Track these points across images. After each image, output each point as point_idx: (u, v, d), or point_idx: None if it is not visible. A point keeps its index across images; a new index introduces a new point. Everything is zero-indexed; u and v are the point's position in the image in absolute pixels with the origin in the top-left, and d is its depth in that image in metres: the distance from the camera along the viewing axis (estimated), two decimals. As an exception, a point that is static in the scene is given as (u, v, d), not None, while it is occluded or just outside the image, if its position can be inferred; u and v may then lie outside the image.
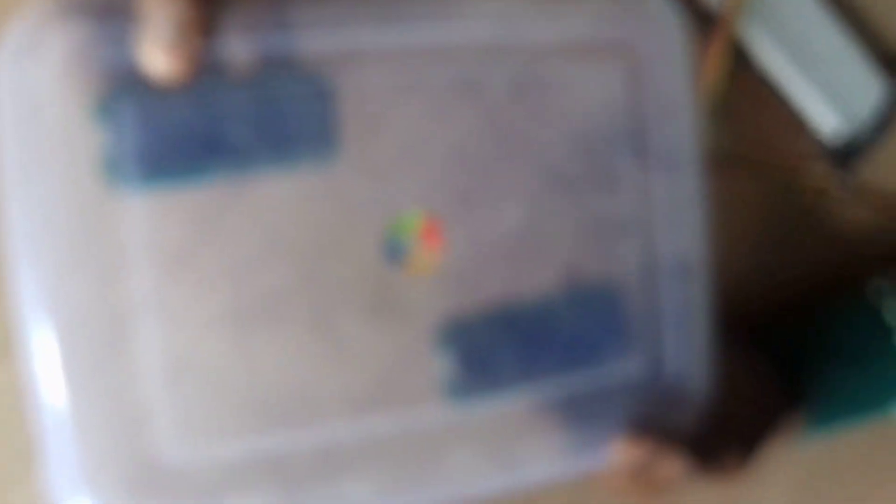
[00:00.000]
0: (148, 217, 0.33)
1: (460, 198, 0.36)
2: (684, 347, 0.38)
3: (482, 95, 0.35)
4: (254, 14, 0.33)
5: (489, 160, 0.36)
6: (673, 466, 0.37)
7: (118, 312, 0.33)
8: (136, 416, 0.33)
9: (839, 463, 0.55)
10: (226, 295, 0.34)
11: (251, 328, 0.34)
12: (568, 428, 0.37)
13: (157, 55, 0.31)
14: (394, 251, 0.36)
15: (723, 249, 0.50)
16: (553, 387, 0.37)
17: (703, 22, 0.52)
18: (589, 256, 0.37)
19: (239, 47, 0.33)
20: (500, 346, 0.36)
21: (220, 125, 0.34)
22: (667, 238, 0.38)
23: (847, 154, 0.53)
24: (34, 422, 0.33)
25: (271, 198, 0.34)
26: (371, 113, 0.35)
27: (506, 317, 0.36)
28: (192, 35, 0.31)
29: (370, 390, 0.35)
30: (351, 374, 0.35)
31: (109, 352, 0.33)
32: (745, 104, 0.53)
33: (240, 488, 0.34)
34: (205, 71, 0.32)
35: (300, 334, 0.34)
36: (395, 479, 0.35)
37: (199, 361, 0.34)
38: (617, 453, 0.37)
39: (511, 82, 0.36)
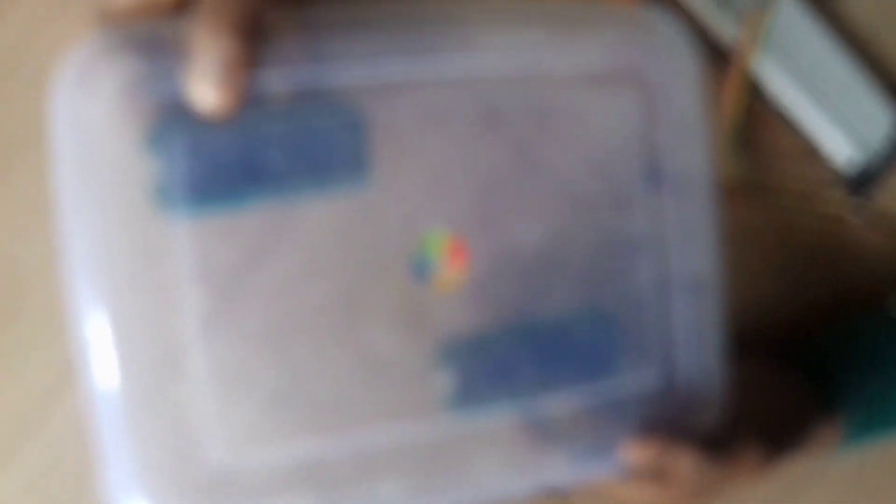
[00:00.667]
0: (199, 242, 0.36)
1: (484, 218, 0.38)
2: (696, 360, 0.40)
3: (503, 123, 0.38)
4: (290, 48, 0.35)
5: (511, 183, 0.38)
6: (685, 465, 0.39)
7: (173, 332, 0.36)
8: (188, 424, 0.36)
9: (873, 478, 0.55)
10: (271, 313, 0.36)
11: (293, 343, 0.36)
12: (583, 435, 0.39)
13: (205, 90, 0.34)
14: (421, 269, 0.38)
15: (749, 270, 0.52)
16: (570, 397, 0.39)
17: (719, 57, 0.54)
18: (604, 274, 0.39)
19: (277, 80, 0.36)
20: (519, 357, 0.38)
21: (260, 153, 0.36)
22: (679, 256, 0.39)
23: (861, 182, 0.55)
24: (95, 432, 0.36)
25: (310, 222, 0.37)
26: (400, 140, 0.37)
27: (525, 330, 0.38)
28: (237, 70, 0.34)
29: (399, 399, 0.37)
30: (381, 383, 0.37)
31: (165, 367, 0.36)
32: (761, 134, 0.56)
33: (282, 491, 0.36)
34: (247, 103, 0.35)
35: (336, 348, 0.37)
36: (424, 481, 0.37)
37: (246, 374, 0.36)
38: (627, 455, 0.38)
39: (531, 110, 0.38)
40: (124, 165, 0.36)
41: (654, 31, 0.39)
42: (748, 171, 0.55)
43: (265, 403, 0.36)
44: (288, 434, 0.36)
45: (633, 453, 0.38)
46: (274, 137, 0.36)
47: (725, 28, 0.54)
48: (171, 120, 0.35)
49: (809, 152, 0.55)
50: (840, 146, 0.55)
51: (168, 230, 0.36)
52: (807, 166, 0.56)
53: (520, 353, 0.38)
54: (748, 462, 0.42)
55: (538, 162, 0.38)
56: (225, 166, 0.36)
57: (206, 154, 0.36)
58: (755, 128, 0.55)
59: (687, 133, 0.39)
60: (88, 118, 0.35)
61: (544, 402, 0.38)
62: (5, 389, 0.42)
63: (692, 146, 0.39)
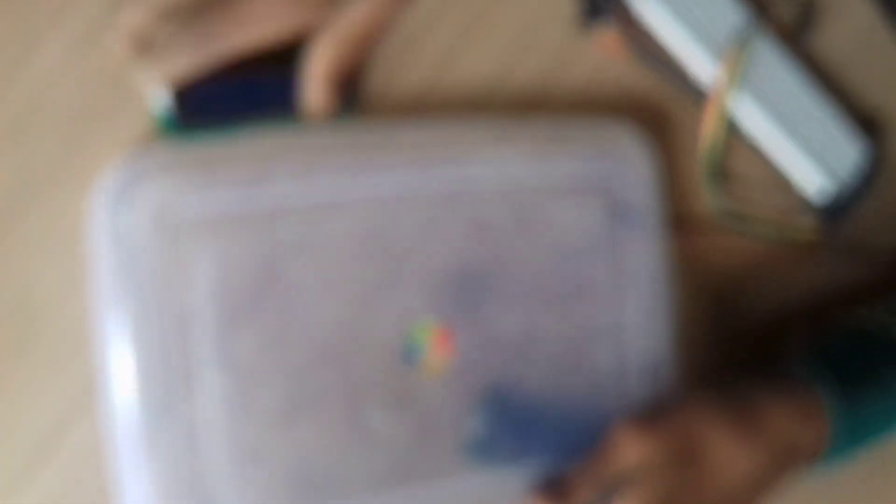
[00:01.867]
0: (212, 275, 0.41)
1: (468, 310, 0.43)
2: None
3: (487, 228, 0.42)
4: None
5: (492, 279, 0.43)
6: None
7: (188, 357, 0.41)
8: (197, 479, 0.42)
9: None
10: (280, 395, 0.42)
11: (297, 420, 0.42)
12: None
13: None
14: (411, 356, 0.43)
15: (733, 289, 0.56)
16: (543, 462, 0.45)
17: (698, 93, 0.58)
18: (571, 359, 0.44)
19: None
20: (503, 428, 0.44)
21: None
22: (636, 342, 0.45)
23: (832, 211, 0.59)
24: (112, 454, 0.41)
25: (315, 315, 0.42)
26: (395, 242, 0.42)
27: (505, 404, 0.44)
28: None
29: (393, 469, 0.43)
30: (378, 456, 0.43)
31: (178, 403, 0.41)
32: (736, 166, 0.59)
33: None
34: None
35: (336, 424, 0.42)
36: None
37: (260, 451, 0.42)
38: None
39: (511, 217, 0.43)
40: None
41: (617, 142, 0.43)
42: (724, 202, 0.59)
43: (275, 473, 0.42)
44: (290, 502, 0.42)
45: None
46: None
47: (704, 66, 0.57)
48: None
49: (782, 183, 0.59)
50: (812, 177, 0.58)
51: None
52: (780, 197, 0.59)
53: (503, 424, 0.44)
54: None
55: (516, 259, 0.43)
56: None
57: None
58: (731, 160, 0.59)
59: (645, 231, 0.44)
60: (129, 230, 0.40)
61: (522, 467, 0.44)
62: (21, 414, 0.45)
63: (649, 243, 0.44)
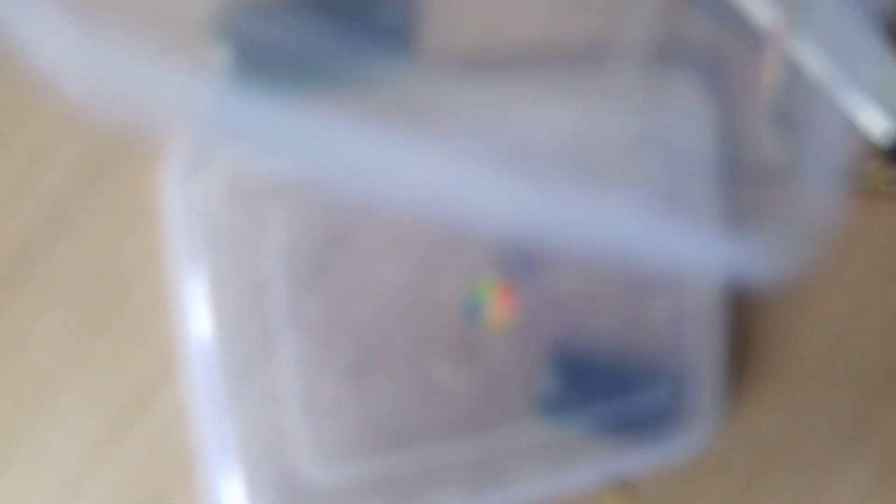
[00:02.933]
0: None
1: (530, 267, 0.44)
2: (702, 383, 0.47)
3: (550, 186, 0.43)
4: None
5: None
6: None
7: (266, 316, 0.43)
8: (278, 435, 0.44)
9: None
10: (352, 349, 0.43)
11: (367, 376, 0.44)
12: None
13: None
14: (475, 312, 0.45)
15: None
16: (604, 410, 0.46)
17: (757, 37, 0.57)
18: (630, 310, 0.45)
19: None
20: (567, 380, 0.45)
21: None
22: (693, 294, 0.45)
23: (896, 153, 0.58)
24: (196, 430, 0.43)
25: (382, 274, 0.43)
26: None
27: (568, 357, 0.45)
28: None
29: (461, 421, 0.44)
30: (446, 408, 0.44)
31: (257, 365, 0.43)
32: (798, 112, 0.58)
33: (358, 500, 0.44)
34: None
35: (405, 379, 0.44)
36: (475, 487, 0.45)
37: (331, 402, 0.44)
38: None
39: (570, 174, 0.43)
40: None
41: (677, 93, 0.43)
42: (789, 149, 0.58)
43: (343, 422, 0.44)
44: (362, 452, 0.44)
45: None
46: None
47: (762, 8, 0.57)
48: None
49: (848, 128, 0.58)
50: (876, 119, 0.57)
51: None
52: (847, 142, 0.58)
53: (567, 379, 0.45)
54: None
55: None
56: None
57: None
58: (794, 106, 0.58)
59: (705, 182, 0.44)
60: (201, 200, 0.41)
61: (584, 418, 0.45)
62: (106, 383, 0.46)
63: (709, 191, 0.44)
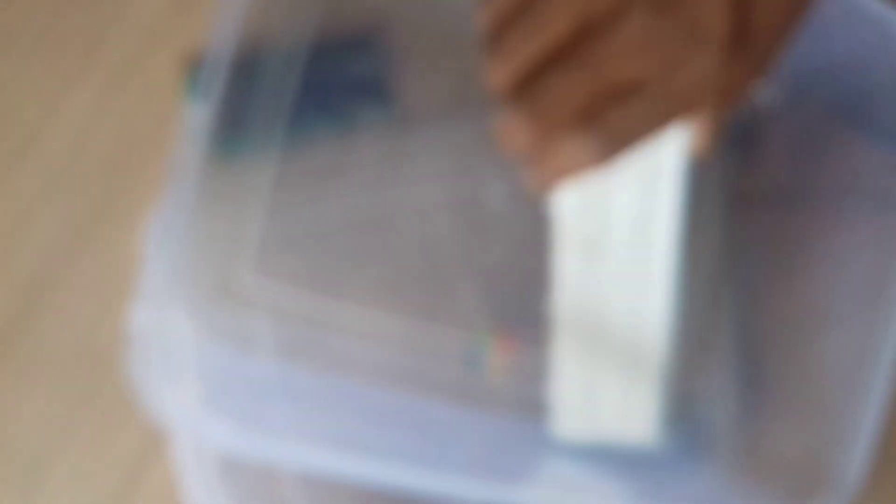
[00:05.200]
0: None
1: (527, 310, 0.43)
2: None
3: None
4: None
5: (546, 275, 0.43)
6: None
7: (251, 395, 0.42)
8: None
9: None
10: (345, 413, 0.42)
11: (368, 441, 0.43)
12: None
13: None
14: (474, 361, 0.44)
15: None
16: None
17: None
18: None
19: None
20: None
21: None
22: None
23: None
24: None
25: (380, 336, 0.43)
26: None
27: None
28: None
29: (465, 464, 0.43)
30: (452, 458, 0.43)
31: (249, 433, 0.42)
32: None
33: None
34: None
35: (409, 434, 0.43)
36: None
37: (326, 464, 0.42)
38: None
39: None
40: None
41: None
42: None
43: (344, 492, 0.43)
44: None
45: None
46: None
47: None
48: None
49: None
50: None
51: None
52: None
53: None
54: None
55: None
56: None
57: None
58: None
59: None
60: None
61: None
62: (96, 461, 0.45)
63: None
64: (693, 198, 0.39)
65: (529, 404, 0.44)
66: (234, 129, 0.41)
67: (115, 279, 0.45)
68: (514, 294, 0.44)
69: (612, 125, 0.30)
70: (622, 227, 0.39)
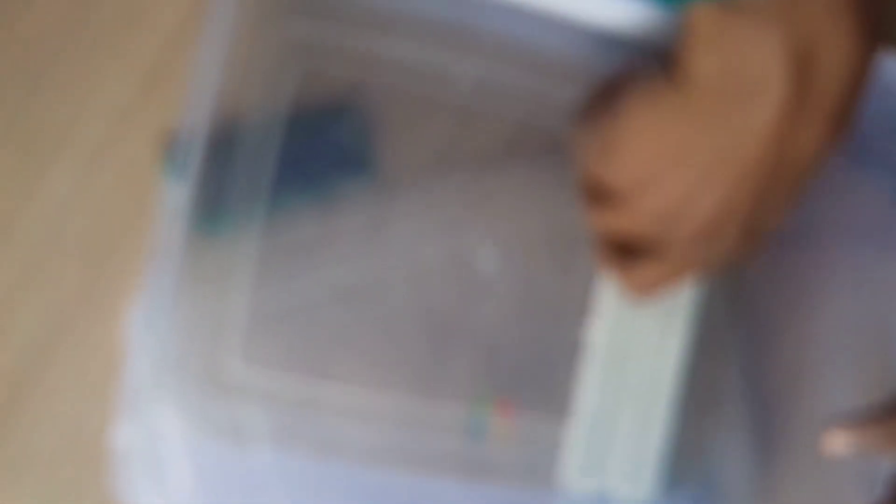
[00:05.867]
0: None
1: (523, 374, 0.42)
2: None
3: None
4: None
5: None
6: None
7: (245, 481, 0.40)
8: None
9: None
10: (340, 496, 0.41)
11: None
12: None
13: None
14: (477, 431, 0.42)
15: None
16: None
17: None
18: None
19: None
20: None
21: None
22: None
23: None
24: None
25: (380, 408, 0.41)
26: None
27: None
28: None
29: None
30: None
31: None
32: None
33: None
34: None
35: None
36: None
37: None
38: None
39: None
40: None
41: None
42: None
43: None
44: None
45: None
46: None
47: None
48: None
49: None
50: None
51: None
52: None
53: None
54: None
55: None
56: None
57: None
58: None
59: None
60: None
61: None
62: None
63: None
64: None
65: (533, 472, 0.43)
66: (213, 207, 0.40)
67: (98, 369, 0.44)
68: (511, 356, 0.43)
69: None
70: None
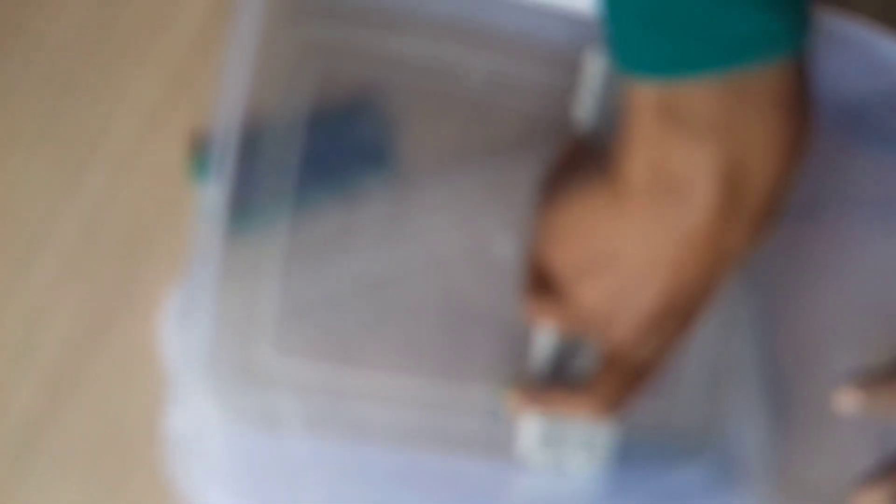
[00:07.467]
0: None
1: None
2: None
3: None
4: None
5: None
6: None
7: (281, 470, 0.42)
8: None
9: None
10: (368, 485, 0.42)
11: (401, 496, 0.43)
12: None
13: None
14: (499, 412, 0.44)
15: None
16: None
17: None
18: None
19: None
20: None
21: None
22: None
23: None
24: None
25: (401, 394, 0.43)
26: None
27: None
28: None
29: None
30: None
31: None
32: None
33: None
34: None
35: (441, 491, 0.43)
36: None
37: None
38: None
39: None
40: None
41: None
42: None
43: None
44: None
45: None
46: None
47: None
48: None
49: None
50: None
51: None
52: None
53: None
54: None
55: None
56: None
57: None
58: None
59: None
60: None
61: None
62: None
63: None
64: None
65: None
66: (242, 205, 0.42)
67: (136, 363, 0.46)
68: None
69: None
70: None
